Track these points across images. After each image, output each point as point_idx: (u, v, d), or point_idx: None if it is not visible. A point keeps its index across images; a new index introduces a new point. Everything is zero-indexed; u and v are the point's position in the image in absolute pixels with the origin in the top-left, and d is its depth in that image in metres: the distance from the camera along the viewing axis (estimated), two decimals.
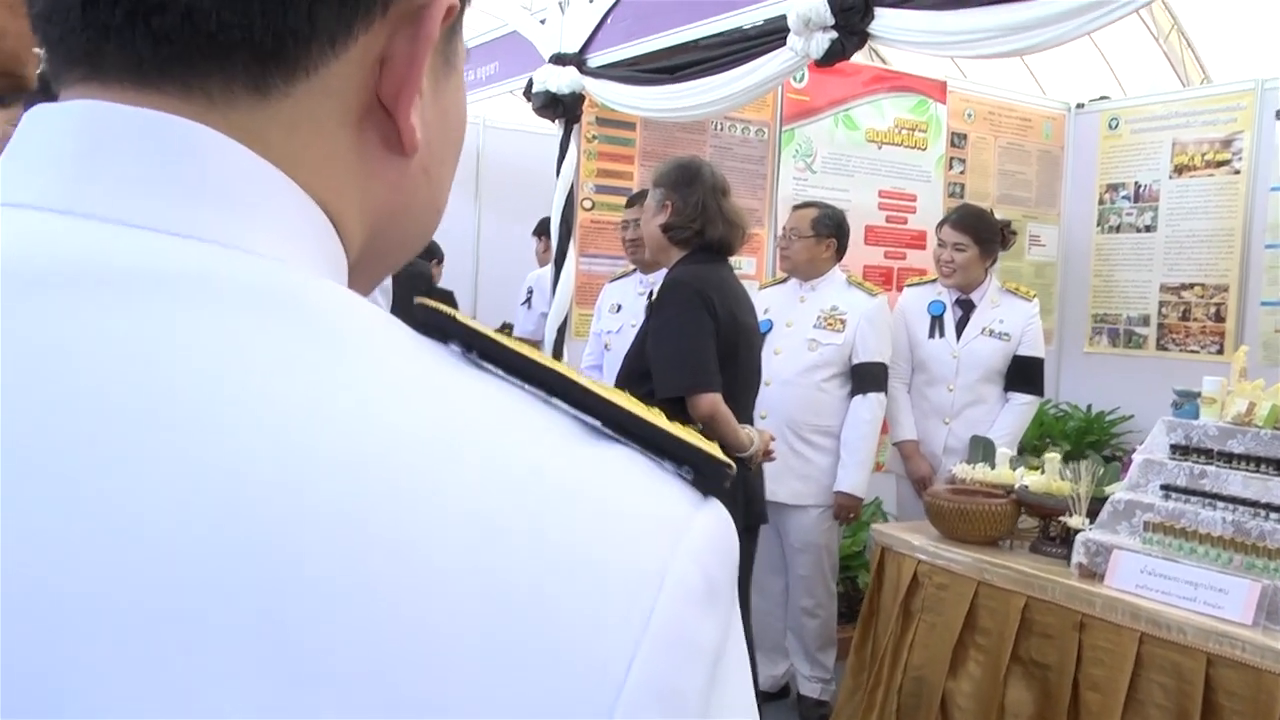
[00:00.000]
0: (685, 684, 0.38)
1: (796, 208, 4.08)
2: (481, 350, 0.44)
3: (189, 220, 0.42)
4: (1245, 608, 2.74)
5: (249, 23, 0.43)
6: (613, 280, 4.40)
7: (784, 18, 3.35)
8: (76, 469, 0.35)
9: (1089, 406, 5.76)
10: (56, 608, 0.33)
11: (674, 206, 3.14)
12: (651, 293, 3.55)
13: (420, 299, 0.47)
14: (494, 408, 0.42)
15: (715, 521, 0.41)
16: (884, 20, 3.17)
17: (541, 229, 5.87)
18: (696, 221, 3.13)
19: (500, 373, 0.44)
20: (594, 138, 4.72)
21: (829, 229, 4.05)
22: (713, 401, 3.04)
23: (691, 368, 3.05)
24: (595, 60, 4.35)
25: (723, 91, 3.77)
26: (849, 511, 4.05)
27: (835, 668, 4.13)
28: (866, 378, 4.00)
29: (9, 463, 0.35)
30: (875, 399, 4.00)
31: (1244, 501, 2.99)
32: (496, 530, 0.37)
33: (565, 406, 0.43)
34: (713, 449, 0.43)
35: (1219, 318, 5.53)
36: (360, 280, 0.55)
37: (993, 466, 3.64)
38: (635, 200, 4.11)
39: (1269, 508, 2.92)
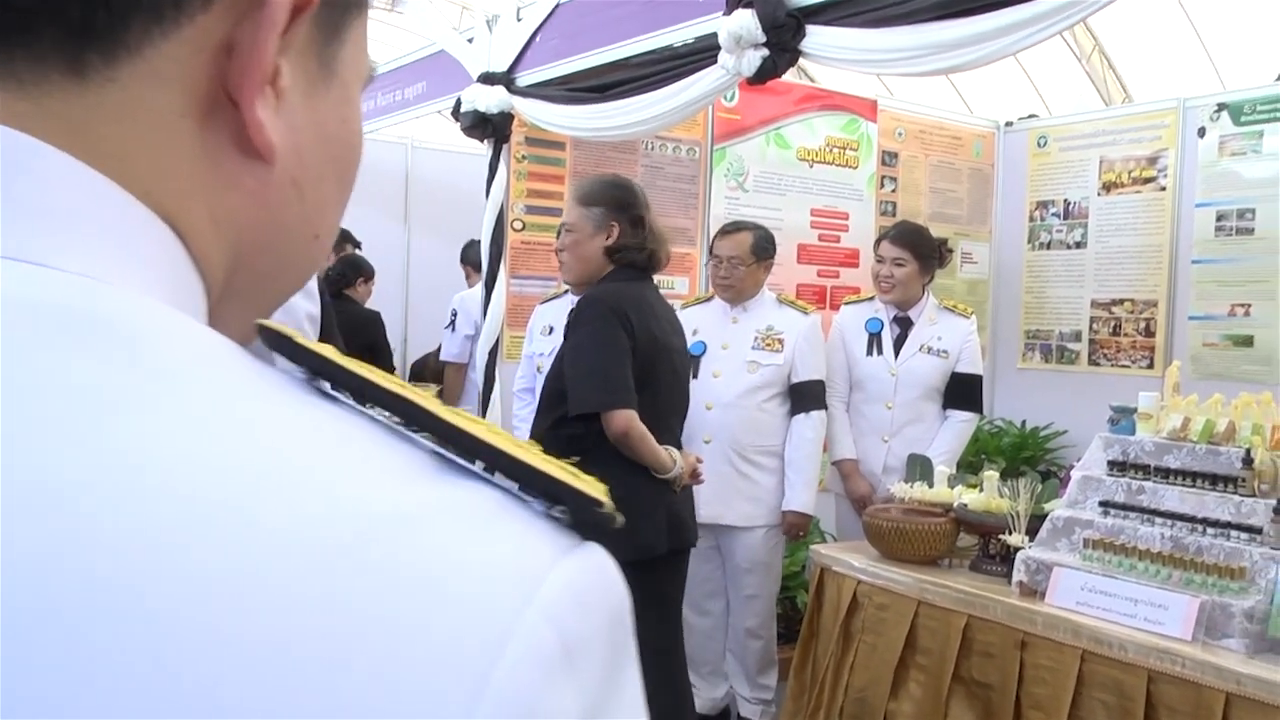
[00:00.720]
0: None
1: (726, 232, 4.02)
2: (331, 376, 0.40)
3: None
4: (1185, 623, 2.74)
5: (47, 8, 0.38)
6: (544, 301, 4.33)
7: (715, 35, 3.32)
8: None
9: (1024, 422, 5.80)
10: None
11: (621, 229, 3.10)
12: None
13: (260, 321, 0.41)
14: (323, 441, 0.37)
15: (583, 570, 0.37)
16: (815, 38, 3.16)
17: (466, 256, 5.78)
18: (650, 242, 3.14)
19: (351, 402, 0.40)
20: (524, 157, 4.66)
21: (767, 251, 4.04)
22: (627, 419, 2.98)
23: (605, 385, 3.01)
24: (524, 79, 4.30)
25: (653, 110, 3.74)
26: (799, 529, 4.05)
27: (777, 689, 4.09)
28: (807, 396, 3.99)
29: None
30: (817, 416, 4.00)
31: (1181, 517, 2.99)
32: (283, 595, 0.32)
33: (423, 440, 0.39)
34: (587, 486, 0.39)
35: (1149, 332, 5.60)
36: (243, 309, 0.49)
37: (931, 485, 3.63)
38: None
39: (1205, 522, 2.93)
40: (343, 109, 0.50)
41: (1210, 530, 2.91)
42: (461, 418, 0.39)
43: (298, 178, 0.48)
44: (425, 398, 0.40)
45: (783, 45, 3.20)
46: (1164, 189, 5.56)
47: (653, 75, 3.73)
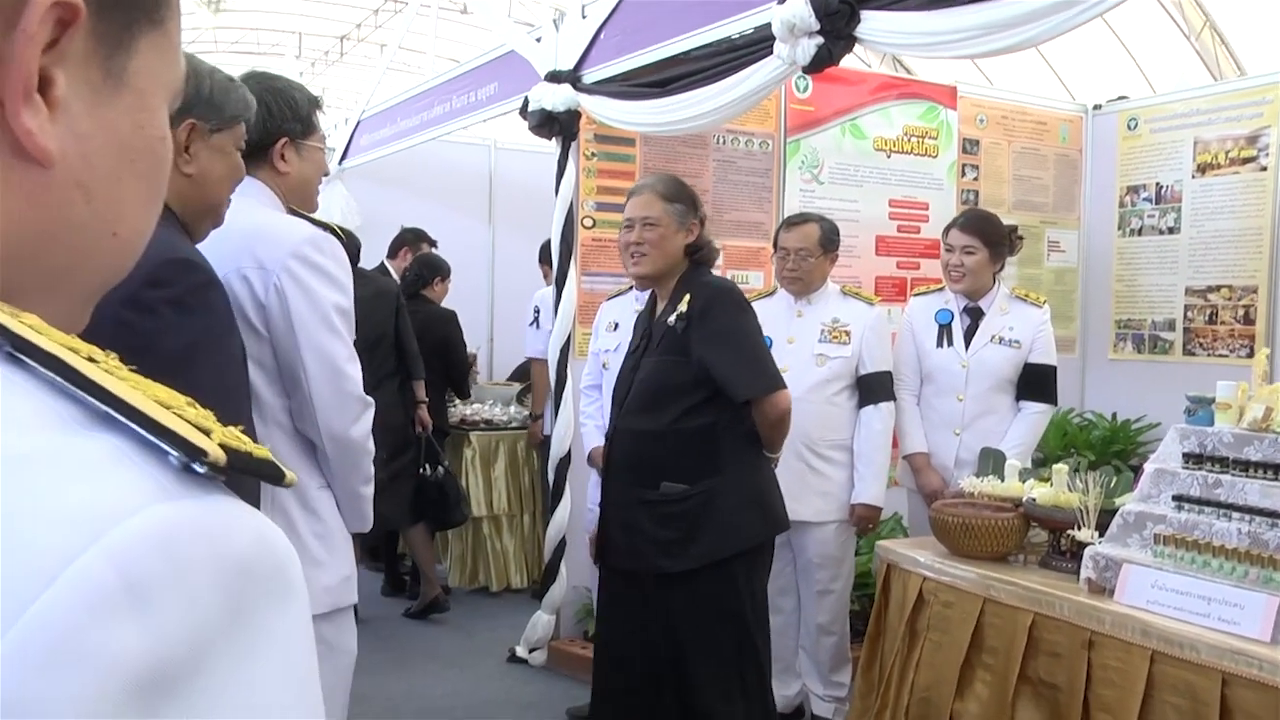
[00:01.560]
0: (61, 698, 0.34)
1: (793, 224, 3.97)
2: (18, 345, 0.43)
3: None
4: (1263, 623, 2.61)
5: None
6: (610, 299, 4.35)
7: (769, 25, 3.28)
8: None
9: (1114, 415, 5.62)
10: None
11: (698, 229, 3.16)
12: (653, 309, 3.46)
13: None
14: None
15: (183, 516, 0.39)
16: (870, 23, 3.09)
17: (544, 255, 5.82)
18: (710, 240, 3.24)
19: (35, 365, 0.42)
20: (593, 155, 4.66)
21: (834, 242, 4.00)
22: (789, 399, 3.11)
23: (767, 369, 3.11)
24: (589, 76, 4.30)
25: (715, 103, 3.70)
26: (869, 523, 4.02)
27: (850, 686, 4.03)
28: (875, 387, 3.95)
29: None
30: (886, 408, 3.96)
31: (1261, 511, 2.86)
32: None
33: (79, 393, 0.41)
34: (206, 442, 0.41)
35: (1248, 320, 5.37)
36: (56, 301, 0.52)
37: (1002, 479, 3.53)
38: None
39: None
40: (138, 115, 0.54)
41: None
42: (112, 377, 0.42)
43: (83, 180, 0.51)
44: (80, 359, 0.42)
45: (837, 32, 3.14)
46: (1265, 169, 5.32)
47: (712, 68, 3.70)
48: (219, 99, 1.98)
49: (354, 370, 2.25)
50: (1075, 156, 6.03)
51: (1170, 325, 5.70)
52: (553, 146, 4.72)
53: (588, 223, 4.68)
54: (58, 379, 0.43)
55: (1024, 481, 3.48)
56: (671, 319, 3.05)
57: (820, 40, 3.19)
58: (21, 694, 0.34)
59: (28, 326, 0.44)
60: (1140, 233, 5.85)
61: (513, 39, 4.76)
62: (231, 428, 0.44)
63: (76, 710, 0.35)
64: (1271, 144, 5.28)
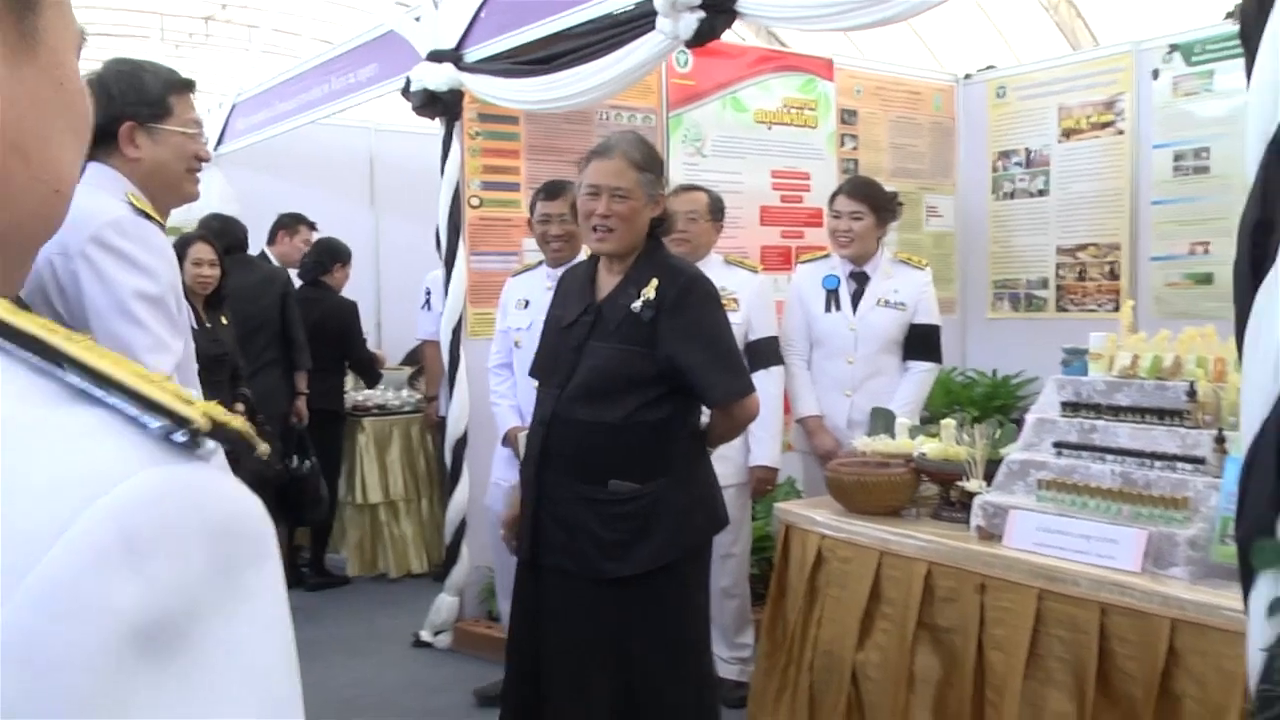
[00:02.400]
0: (68, 648, 0.37)
1: (682, 190, 4.07)
2: None
3: None
4: (1134, 556, 2.80)
5: None
6: (516, 275, 4.31)
7: (651, 1, 3.34)
8: None
9: (994, 371, 5.86)
10: None
11: (663, 201, 2.92)
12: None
13: None
14: None
15: (173, 480, 0.41)
16: None
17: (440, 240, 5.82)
18: (673, 215, 3.09)
19: (7, 345, 0.45)
20: (477, 134, 4.68)
21: (720, 212, 4.12)
22: (759, 401, 2.99)
23: (742, 369, 2.97)
24: (471, 55, 4.32)
25: (599, 79, 3.76)
26: (766, 484, 4.15)
27: (753, 648, 4.15)
28: (765, 353, 4.06)
29: None
30: (777, 372, 4.08)
31: (1131, 453, 3.06)
32: None
33: (60, 372, 0.44)
34: (191, 412, 0.43)
35: (1113, 275, 5.66)
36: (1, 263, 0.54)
37: (893, 437, 3.68)
38: (559, 193, 3.98)
39: (1154, 456, 2.99)
40: (56, 72, 0.55)
41: (1158, 464, 2.97)
42: (93, 352, 0.44)
43: (18, 142, 0.53)
44: (60, 336, 0.45)
45: (718, 6, 3.23)
46: (1122, 133, 5.60)
47: (595, 44, 3.75)
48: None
49: (157, 360, 2.13)
50: (949, 124, 6.25)
51: (1043, 283, 5.97)
52: (434, 127, 4.73)
53: (474, 202, 4.70)
54: (33, 358, 0.45)
55: (914, 438, 3.63)
56: (636, 305, 2.79)
57: (702, 14, 3.27)
58: (33, 644, 0.37)
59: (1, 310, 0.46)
60: (1012, 196, 6.10)
61: (392, 19, 4.75)
62: (208, 402, 0.47)
63: (84, 660, 0.38)
64: (1126, 109, 5.56)
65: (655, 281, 2.81)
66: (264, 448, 0.49)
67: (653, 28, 3.45)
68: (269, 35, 8.48)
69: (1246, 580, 2.17)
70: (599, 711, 2.86)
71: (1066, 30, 11.70)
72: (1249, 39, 2.11)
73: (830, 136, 5.65)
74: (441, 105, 4.44)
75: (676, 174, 5.10)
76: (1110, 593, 2.76)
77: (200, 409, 0.45)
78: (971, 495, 3.25)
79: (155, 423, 0.43)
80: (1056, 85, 5.88)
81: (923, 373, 4.24)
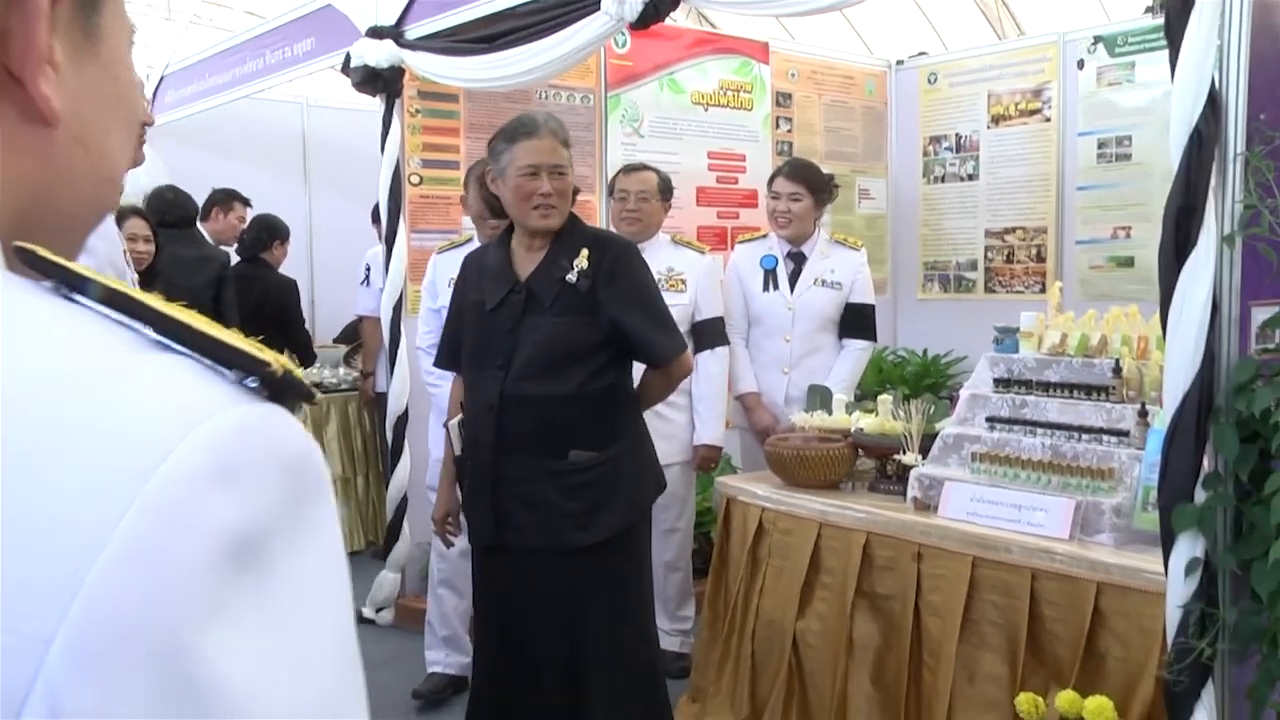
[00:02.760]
0: (179, 554, 0.43)
1: (632, 169, 4.15)
2: (72, 284, 0.51)
3: None
4: (1063, 524, 2.95)
5: None
6: (441, 252, 4.27)
7: None
8: None
9: (925, 351, 6.02)
10: None
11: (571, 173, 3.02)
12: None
13: (23, 245, 0.53)
14: (55, 327, 0.48)
15: (252, 418, 0.47)
16: None
17: (375, 216, 5.81)
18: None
19: (85, 301, 0.50)
20: (417, 111, 4.71)
21: (669, 192, 4.21)
22: (690, 358, 3.11)
23: (675, 328, 3.07)
24: (412, 32, 4.33)
25: (541, 59, 3.81)
26: (711, 462, 4.24)
27: (695, 621, 4.26)
28: (711, 333, 4.15)
29: None
30: (722, 352, 4.17)
31: (1060, 426, 3.20)
32: (28, 416, 0.44)
33: (139, 325, 0.49)
34: (267, 356, 0.49)
35: (1040, 258, 5.84)
36: (59, 241, 0.59)
37: (830, 412, 3.80)
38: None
39: (1081, 430, 3.14)
40: (114, 69, 0.60)
41: (1085, 437, 3.12)
42: (172, 308, 0.50)
43: (80, 135, 0.58)
44: (145, 295, 0.51)
45: None
46: (1049, 120, 5.79)
47: (539, 23, 3.79)
48: None
49: None
50: (881, 109, 6.39)
51: (973, 265, 6.15)
52: (369, 103, 4.74)
53: (414, 179, 4.73)
54: (109, 311, 0.50)
55: (850, 414, 3.75)
56: (571, 276, 2.86)
57: None
58: (150, 549, 0.43)
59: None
60: (943, 180, 6.27)
61: None
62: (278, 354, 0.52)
63: (190, 566, 0.43)
64: (1053, 97, 5.75)
65: (586, 251, 2.88)
66: (318, 397, 0.55)
67: (597, 8, 3.51)
68: (194, 4, 8.35)
69: (1167, 543, 2.31)
70: (556, 680, 2.93)
71: (993, 20, 11.96)
72: (1173, 34, 2.24)
73: (765, 119, 5.75)
74: (381, 82, 4.45)
75: (615, 154, 5.18)
76: (1040, 559, 2.91)
77: (275, 358, 0.50)
78: (907, 468, 3.38)
79: (229, 369, 0.49)
80: (986, 73, 6.05)
81: (858, 350, 4.37)
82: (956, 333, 5.92)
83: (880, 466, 3.56)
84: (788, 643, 3.46)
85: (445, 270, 4.16)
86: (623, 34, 4.94)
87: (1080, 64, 5.62)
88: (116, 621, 0.42)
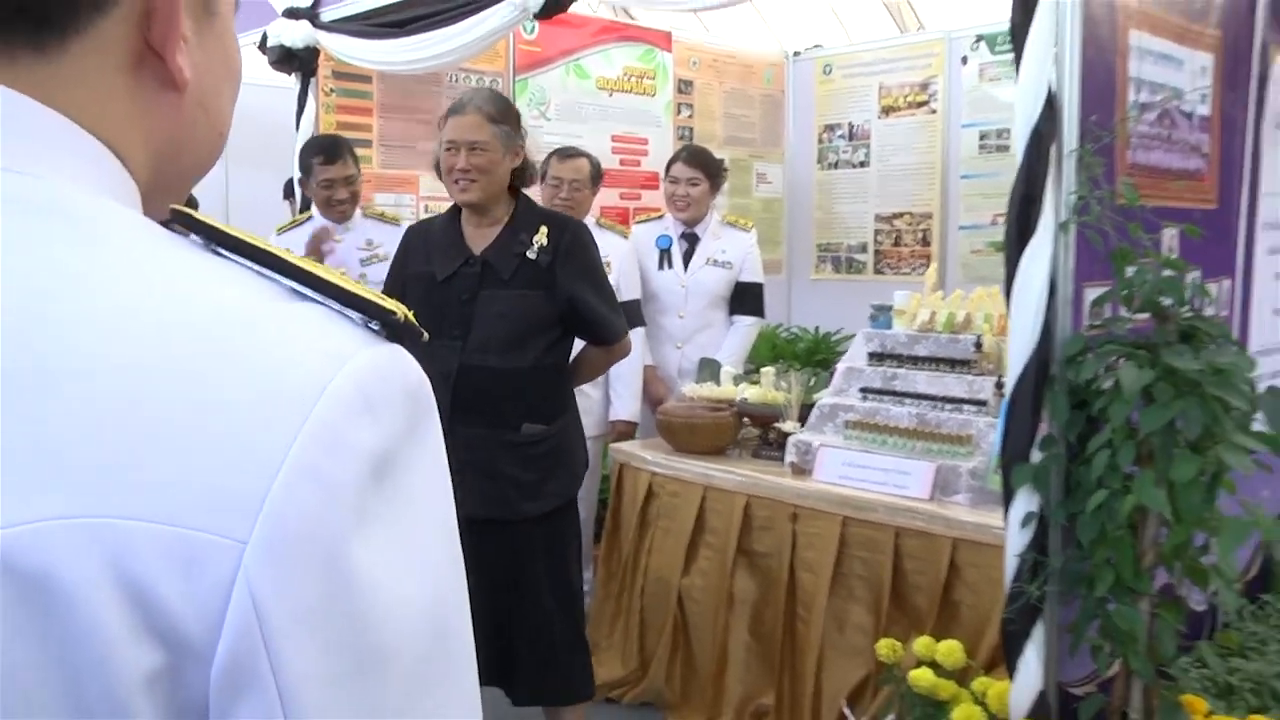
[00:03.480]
0: (337, 472, 0.52)
1: (568, 155, 4.22)
2: (214, 240, 0.60)
3: None
4: (924, 486, 3.14)
5: (21, 5, 0.56)
6: (283, 232, 4.32)
7: None
8: None
9: (817, 328, 6.21)
10: None
11: (522, 152, 2.98)
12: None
13: (175, 208, 0.62)
14: (209, 278, 0.57)
15: (383, 357, 0.56)
16: None
17: (289, 191, 5.82)
18: (534, 164, 3.10)
19: (233, 256, 0.59)
20: (331, 91, 4.75)
21: (600, 178, 4.33)
22: (631, 339, 3.15)
23: (621, 310, 3.12)
24: (328, 14, 4.37)
25: (452, 44, 3.89)
26: (627, 436, 4.34)
27: (592, 583, 4.39)
28: (632, 314, 4.25)
29: None
30: (640, 332, 4.25)
31: (926, 397, 3.39)
32: (204, 349, 0.52)
33: (277, 276, 0.58)
34: (391, 305, 0.58)
35: (925, 242, 6.06)
36: (165, 196, 0.68)
37: (719, 384, 3.95)
38: (337, 155, 4.10)
39: (945, 400, 3.33)
40: (224, 38, 0.69)
41: (948, 406, 3.32)
42: (307, 263, 0.59)
43: (201, 99, 0.66)
44: (283, 251, 0.59)
45: None
46: (935, 112, 6.00)
47: (450, 10, 3.86)
48: None
49: None
50: (779, 97, 6.55)
51: (863, 248, 6.35)
52: (284, 81, 4.76)
53: None
54: (252, 265, 0.57)
55: (737, 385, 3.92)
56: (531, 252, 2.89)
57: None
58: (316, 468, 0.51)
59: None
60: (836, 166, 6.45)
61: None
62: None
63: (343, 482, 0.51)
64: (939, 91, 5.96)
65: (545, 229, 2.92)
66: (424, 335, 0.61)
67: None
68: None
69: (1008, 499, 2.49)
70: (489, 635, 2.95)
71: (894, 12, 12.23)
72: (1017, 40, 2.41)
73: (668, 105, 5.87)
74: (297, 62, 4.49)
75: None
76: (903, 518, 3.10)
77: (398, 306, 0.58)
78: (787, 435, 3.55)
79: (355, 315, 0.57)
80: (878, 66, 6.23)
81: (747, 326, 4.53)
82: (847, 311, 6.08)
83: (763, 434, 3.73)
84: (673, 598, 3.62)
85: (291, 247, 4.21)
86: (531, 21, 5.02)
87: (964, 60, 5.84)
88: (291, 528, 0.50)
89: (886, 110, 6.22)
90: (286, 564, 0.50)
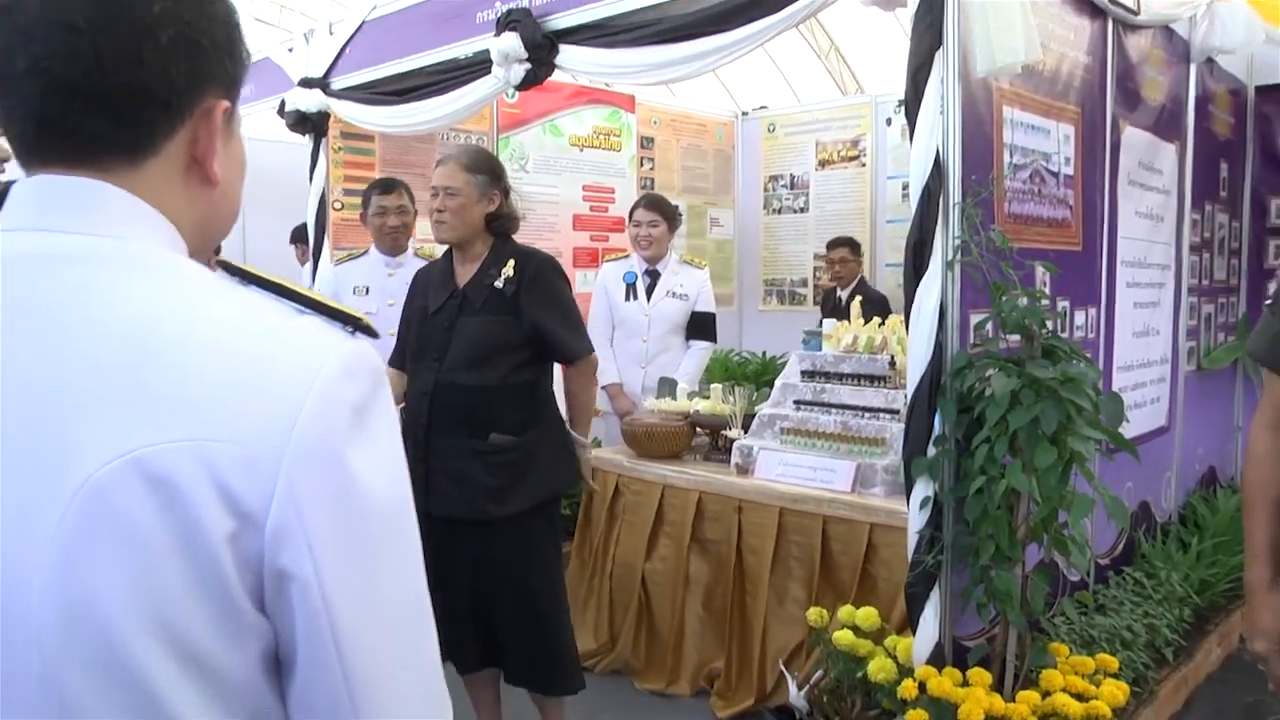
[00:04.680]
0: (333, 411, 0.78)
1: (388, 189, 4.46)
2: (245, 278, 0.87)
3: (91, 227, 0.82)
4: (846, 480, 3.43)
5: (118, 136, 0.83)
6: (340, 263, 4.56)
7: (488, 52, 3.76)
8: (53, 339, 0.75)
9: (764, 352, 6.52)
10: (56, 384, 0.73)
11: (499, 199, 3.08)
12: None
13: (220, 258, 0.91)
14: (248, 301, 0.83)
15: (356, 346, 0.82)
16: (566, 55, 3.63)
17: (295, 236, 6.08)
18: (517, 214, 3.19)
19: (256, 288, 0.86)
20: (339, 149, 5.04)
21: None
22: (596, 359, 3.22)
23: (586, 332, 3.17)
24: (338, 84, 4.64)
25: (444, 110, 4.15)
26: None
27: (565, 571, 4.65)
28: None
29: (10, 332, 0.76)
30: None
31: (850, 407, 3.70)
32: (252, 342, 0.79)
33: (287, 300, 0.85)
34: (357, 314, 0.85)
35: None
36: (200, 253, 0.94)
37: (675, 399, 4.25)
38: (393, 188, 4.37)
39: (865, 409, 3.64)
40: (238, 147, 0.95)
41: (866, 414, 3.62)
42: (306, 290, 0.86)
43: (225, 190, 0.93)
44: (290, 283, 0.86)
45: (541, 60, 3.66)
46: (864, 165, 6.37)
47: (442, 81, 4.11)
48: None
49: None
50: (729, 152, 6.89)
51: (804, 283, 6.69)
52: (298, 140, 5.04)
53: (337, 205, 5.05)
54: (267, 292, 0.84)
55: (691, 399, 4.21)
56: (499, 283, 3.00)
57: (528, 65, 3.68)
58: (324, 411, 0.74)
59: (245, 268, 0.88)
60: (780, 212, 6.79)
61: (268, 47, 5.04)
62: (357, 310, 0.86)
63: (341, 417, 0.75)
64: (868, 147, 6.34)
65: (513, 262, 3.03)
66: (379, 335, 0.87)
67: (489, 72, 3.86)
68: None
69: (909, 486, 2.80)
70: (470, 629, 3.05)
71: (835, 75, 12.63)
72: (910, 113, 2.73)
73: (632, 159, 6.18)
74: (311, 124, 4.76)
75: None
76: (830, 508, 3.38)
77: (360, 315, 0.84)
78: (732, 441, 3.85)
79: (337, 323, 0.83)
80: (814, 125, 6.60)
81: (701, 350, 4.84)
82: (790, 337, 6.29)
83: (713, 440, 4.02)
84: (638, 580, 3.88)
85: (348, 280, 4.45)
86: (512, 90, 5.31)
87: (889, 121, 6.21)
88: (309, 443, 0.74)
89: (823, 163, 6.57)
90: (308, 463, 0.74)
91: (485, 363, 2.97)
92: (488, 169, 3.09)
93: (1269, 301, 1.95)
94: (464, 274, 3.09)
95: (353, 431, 0.77)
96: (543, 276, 3.03)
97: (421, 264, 4.40)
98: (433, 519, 2.86)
